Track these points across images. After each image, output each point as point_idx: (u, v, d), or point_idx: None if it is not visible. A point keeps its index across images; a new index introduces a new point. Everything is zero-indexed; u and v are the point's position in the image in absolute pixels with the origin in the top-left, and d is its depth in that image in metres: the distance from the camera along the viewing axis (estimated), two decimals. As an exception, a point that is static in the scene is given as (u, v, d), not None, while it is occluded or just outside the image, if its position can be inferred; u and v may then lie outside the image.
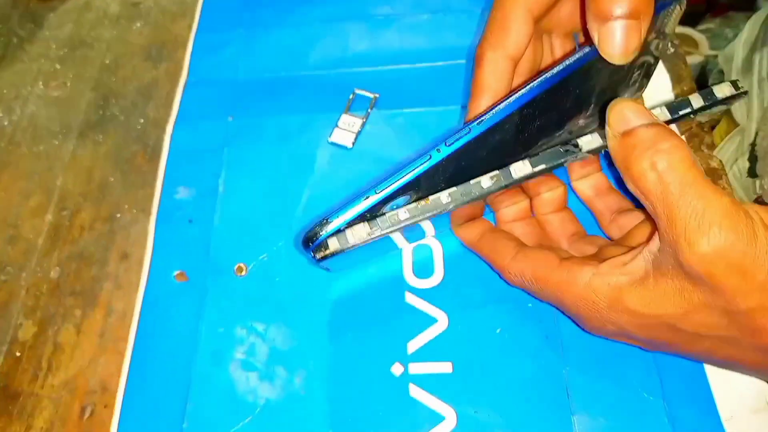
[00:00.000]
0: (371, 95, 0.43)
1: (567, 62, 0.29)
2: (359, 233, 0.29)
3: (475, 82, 0.33)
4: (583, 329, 0.31)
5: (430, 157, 0.29)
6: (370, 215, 0.29)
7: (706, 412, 0.32)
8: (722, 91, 0.31)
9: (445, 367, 0.34)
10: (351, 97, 0.43)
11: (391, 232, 0.30)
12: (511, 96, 0.29)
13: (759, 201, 0.49)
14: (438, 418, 0.32)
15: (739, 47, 0.57)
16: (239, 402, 0.34)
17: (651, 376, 0.33)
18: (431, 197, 0.29)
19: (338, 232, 0.29)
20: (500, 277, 0.33)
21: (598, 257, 0.31)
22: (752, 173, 0.50)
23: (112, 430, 0.34)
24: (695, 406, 0.32)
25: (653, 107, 0.30)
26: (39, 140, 0.46)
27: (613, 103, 0.27)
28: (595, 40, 0.28)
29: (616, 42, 0.27)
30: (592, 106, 0.32)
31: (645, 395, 0.32)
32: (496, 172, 0.29)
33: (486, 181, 0.29)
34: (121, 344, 0.36)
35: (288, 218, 0.39)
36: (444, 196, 0.29)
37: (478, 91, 0.32)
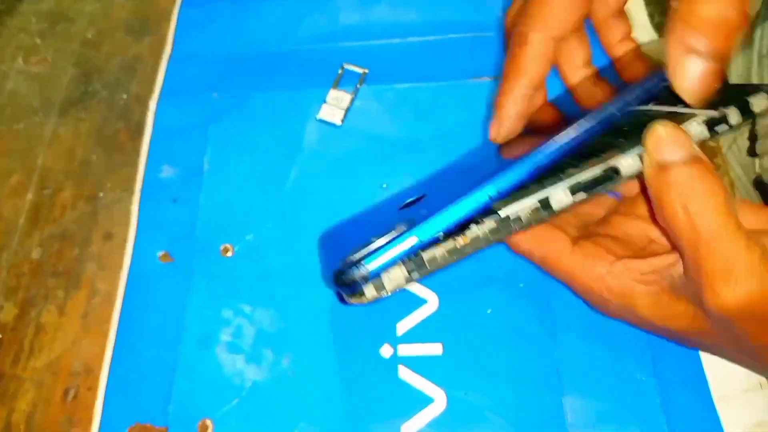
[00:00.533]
0: (361, 70, 0.42)
1: (630, 94, 0.27)
2: (397, 279, 0.25)
3: (514, 64, 0.31)
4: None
5: (479, 202, 0.26)
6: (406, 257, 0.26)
7: (699, 393, 0.31)
8: (760, 104, 0.26)
9: (435, 349, 0.33)
10: (340, 72, 0.42)
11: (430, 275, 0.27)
12: (564, 131, 0.27)
13: (758, 180, 0.48)
14: (427, 400, 0.32)
15: None
16: (226, 384, 0.33)
17: (643, 356, 0.32)
18: (468, 234, 0.25)
19: (374, 276, 0.25)
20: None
21: (612, 245, 0.29)
22: (752, 152, 0.49)
23: (96, 412, 0.33)
24: (688, 387, 0.32)
25: (689, 118, 0.26)
26: (19, 117, 0.44)
27: (651, 126, 0.24)
28: (671, 71, 0.25)
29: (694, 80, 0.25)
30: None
31: (637, 376, 0.32)
32: (536, 204, 0.26)
33: (525, 214, 0.26)
34: (105, 326, 0.36)
35: (275, 198, 0.38)
36: (481, 232, 0.26)
37: (516, 74, 0.30)
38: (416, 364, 0.33)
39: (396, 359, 0.33)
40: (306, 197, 0.38)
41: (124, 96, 0.44)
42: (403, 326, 0.34)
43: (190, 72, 0.44)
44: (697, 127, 0.26)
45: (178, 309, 0.35)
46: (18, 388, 0.34)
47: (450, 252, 0.25)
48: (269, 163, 0.39)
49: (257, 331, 0.34)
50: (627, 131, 0.27)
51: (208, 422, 0.32)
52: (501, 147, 0.32)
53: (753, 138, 0.48)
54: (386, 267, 0.25)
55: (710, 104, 0.26)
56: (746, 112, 0.26)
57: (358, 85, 0.42)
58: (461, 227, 0.25)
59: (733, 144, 0.49)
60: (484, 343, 0.33)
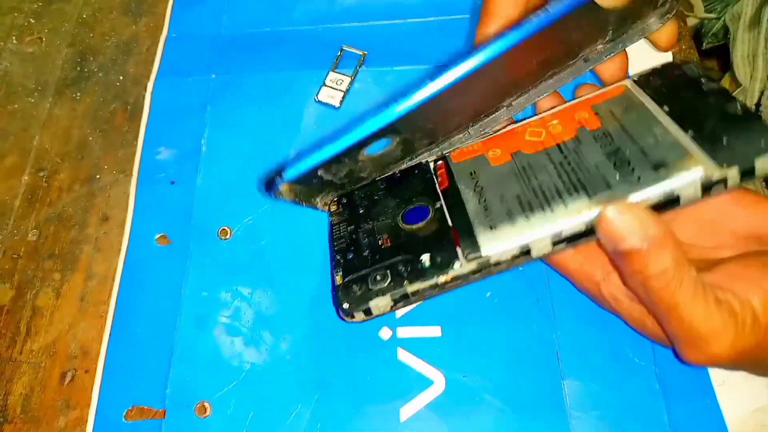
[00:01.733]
0: (360, 52, 0.42)
1: None
2: (383, 307, 0.28)
3: (485, 7, 0.31)
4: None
5: (415, 92, 0.27)
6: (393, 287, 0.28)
7: (698, 377, 0.31)
8: (764, 168, 0.25)
9: (434, 331, 0.33)
10: (339, 54, 0.42)
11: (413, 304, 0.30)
12: (520, 24, 0.27)
13: None
14: (426, 383, 0.32)
15: (747, 5, 0.55)
16: (224, 367, 0.33)
17: (642, 340, 0.32)
18: (450, 272, 0.27)
19: (366, 307, 0.28)
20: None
21: None
22: None
23: (94, 395, 0.33)
24: (687, 372, 0.31)
25: (684, 182, 0.26)
26: (14, 98, 0.44)
27: (603, 210, 0.25)
28: None
29: None
30: (612, 31, 0.30)
31: (636, 360, 0.32)
32: (517, 251, 0.27)
33: (506, 259, 0.27)
34: (102, 308, 0.35)
35: (273, 179, 0.38)
36: (461, 272, 0.27)
37: (488, 17, 0.31)
38: (415, 346, 0.33)
39: (395, 341, 0.33)
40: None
41: (121, 77, 0.44)
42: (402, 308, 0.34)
43: (187, 53, 0.44)
44: (691, 185, 0.26)
45: (175, 291, 0.35)
46: (14, 371, 0.34)
47: (432, 287, 0.27)
48: (268, 144, 0.39)
49: (256, 314, 0.34)
50: (625, 167, 0.27)
51: (206, 404, 0.32)
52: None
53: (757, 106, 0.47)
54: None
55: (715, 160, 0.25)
56: (746, 176, 0.25)
57: (357, 68, 0.41)
58: (444, 265, 0.27)
59: None
60: (483, 326, 0.33)
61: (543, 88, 0.32)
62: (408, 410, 0.31)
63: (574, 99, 0.32)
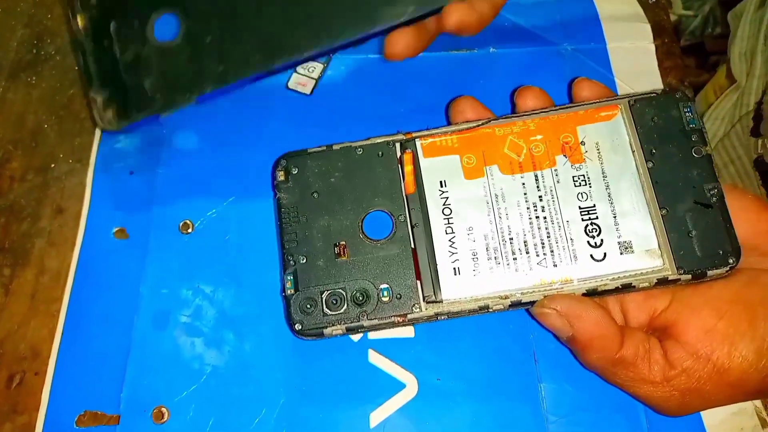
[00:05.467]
0: (333, 39, 0.40)
1: None
2: (335, 333, 0.29)
3: None
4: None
5: None
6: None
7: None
8: (715, 275, 0.27)
9: (406, 332, 0.32)
10: (311, 40, 0.40)
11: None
12: None
13: (759, 160, 0.48)
14: (398, 386, 0.31)
15: (750, 5, 0.55)
16: (183, 369, 0.31)
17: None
18: (410, 316, 0.28)
19: (318, 332, 0.29)
20: None
21: None
22: (755, 132, 0.48)
23: (43, 399, 0.31)
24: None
25: (643, 277, 0.27)
26: (-37, 81, 0.41)
27: (540, 303, 0.27)
28: None
29: None
30: None
31: (616, 362, 0.31)
32: (476, 308, 0.28)
33: (464, 311, 0.28)
34: (55, 306, 0.33)
35: (240, 171, 0.36)
36: (418, 316, 0.28)
37: None
38: (387, 347, 0.31)
39: (366, 342, 0.32)
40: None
41: (79, 61, 0.41)
42: (373, 309, 0.32)
43: (150, 36, 0.41)
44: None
45: (133, 289, 0.33)
46: (-42, 373, 0.32)
47: (387, 324, 0.28)
48: (234, 134, 0.37)
49: (218, 313, 0.32)
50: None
51: (164, 410, 0.30)
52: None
53: (758, 118, 0.47)
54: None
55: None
56: (699, 278, 0.27)
57: (330, 54, 0.39)
58: (402, 306, 0.28)
59: (738, 123, 0.49)
60: (458, 327, 0.32)
61: None
62: (378, 415, 0.30)
63: (562, 106, 0.30)
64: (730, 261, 0.26)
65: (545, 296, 0.27)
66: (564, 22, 0.41)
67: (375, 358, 0.31)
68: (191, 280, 0.33)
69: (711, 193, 0.27)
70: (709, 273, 0.26)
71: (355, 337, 0.32)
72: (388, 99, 0.38)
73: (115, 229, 0.35)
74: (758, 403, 0.30)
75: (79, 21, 0.33)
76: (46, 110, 0.40)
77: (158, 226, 0.35)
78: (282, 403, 0.30)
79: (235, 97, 0.38)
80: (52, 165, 0.38)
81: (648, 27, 0.41)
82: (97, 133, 0.38)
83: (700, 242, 0.27)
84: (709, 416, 0.30)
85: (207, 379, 0.31)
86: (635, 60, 0.40)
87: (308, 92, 0.38)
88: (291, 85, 0.38)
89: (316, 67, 0.39)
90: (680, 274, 0.26)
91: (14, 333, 0.33)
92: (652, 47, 0.40)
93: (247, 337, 0.32)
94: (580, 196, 0.28)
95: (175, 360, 0.31)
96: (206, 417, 0.30)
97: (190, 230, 0.34)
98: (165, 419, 0.30)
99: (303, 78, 0.38)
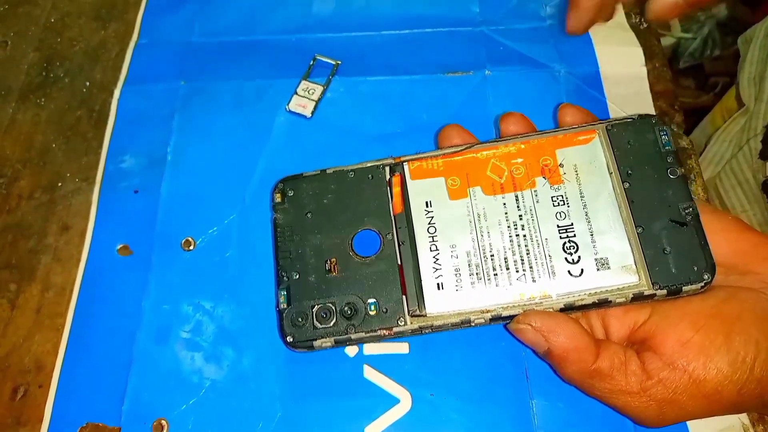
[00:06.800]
0: (333, 62, 0.41)
1: None
2: (324, 345, 0.29)
3: None
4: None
5: None
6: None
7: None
8: (690, 291, 0.27)
9: (401, 348, 0.32)
10: (311, 63, 0.41)
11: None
12: None
13: (767, 183, 0.48)
14: (392, 401, 0.31)
15: (759, 31, 0.56)
16: (183, 383, 0.32)
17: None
18: (395, 329, 0.29)
19: (309, 345, 0.29)
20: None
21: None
22: (764, 155, 0.49)
23: (47, 412, 0.32)
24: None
25: (619, 293, 0.28)
26: (-25, 102, 0.42)
27: (517, 320, 0.28)
28: None
29: None
30: None
31: (606, 379, 0.31)
32: (458, 322, 0.29)
33: (446, 325, 0.29)
34: (59, 321, 0.34)
35: (241, 191, 0.37)
36: (403, 330, 0.29)
37: None
38: (382, 363, 0.32)
39: (361, 358, 0.32)
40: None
41: (87, 83, 0.43)
42: (369, 325, 0.33)
43: (156, 59, 0.43)
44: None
45: (135, 304, 0.34)
46: (-36, 385, 0.33)
47: (374, 337, 0.29)
48: (236, 154, 0.38)
49: (217, 329, 0.33)
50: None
51: (164, 422, 0.31)
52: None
53: (766, 141, 0.47)
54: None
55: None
56: (674, 294, 0.28)
57: (330, 77, 0.41)
58: (389, 319, 0.29)
59: (745, 146, 0.49)
60: (452, 343, 0.32)
61: None
62: (373, 429, 0.31)
63: (542, 131, 0.31)
64: (705, 277, 0.27)
65: (521, 313, 0.28)
66: (558, 46, 0.42)
67: (370, 373, 0.32)
68: (192, 296, 0.34)
69: (686, 212, 0.28)
70: (684, 288, 0.27)
71: (351, 353, 0.32)
72: (386, 119, 0.39)
73: (119, 246, 0.36)
74: (745, 418, 0.31)
75: None
76: (54, 131, 0.41)
77: (161, 244, 0.35)
78: (279, 417, 0.31)
79: (239, 119, 0.39)
80: (59, 183, 0.39)
81: (640, 51, 0.42)
82: (104, 152, 0.39)
83: (676, 259, 0.27)
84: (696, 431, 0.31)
85: (206, 393, 0.32)
86: (627, 83, 0.41)
87: (308, 114, 0.39)
88: (292, 107, 0.39)
89: (316, 90, 0.40)
90: (656, 289, 0.27)
91: (19, 347, 0.34)
92: (644, 71, 0.41)
93: (246, 352, 0.33)
94: (558, 215, 0.29)
95: (176, 374, 0.32)
96: (205, 430, 0.31)
97: (191, 247, 0.35)
98: (164, 431, 0.31)
99: (303, 100, 0.40)
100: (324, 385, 0.32)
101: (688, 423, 0.31)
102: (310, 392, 0.31)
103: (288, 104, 0.40)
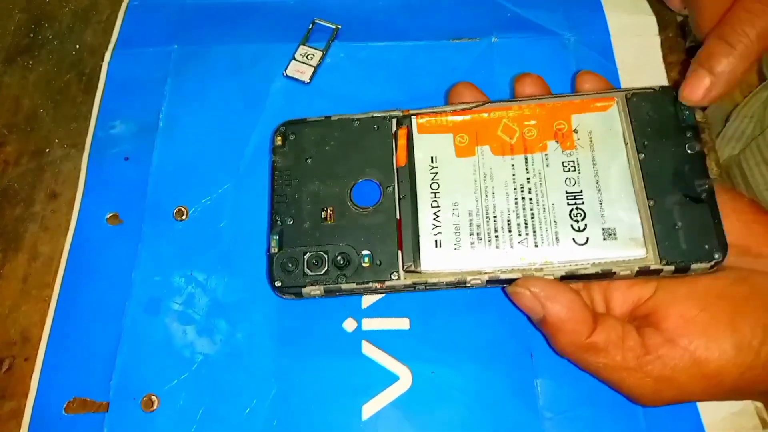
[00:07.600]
0: (333, 26, 0.39)
1: None
2: (313, 293, 0.28)
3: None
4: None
5: None
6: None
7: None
8: (699, 269, 0.26)
9: (401, 323, 0.31)
10: (310, 27, 0.39)
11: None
12: None
13: None
14: (392, 378, 0.30)
15: None
16: (175, 357, 0.31)
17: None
18: (387, 283, 0.28)
19: (297, 291, 0.28)
20: None
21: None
22: None
23: (32, 385, 0.31)
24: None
25: (624, 265, 0.26)
26: (-41, 64, 0.41)
27: (516, 283, 0.27)
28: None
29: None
30: None
31: (613, 358, 0.30)
32: (453, 281, 0.28)
33: (440, 283, 0.28)
34: (46, 291, 0.33)
35: (235, 159, 0.35)
36: (396, 284, 0.28)
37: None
38: (381, 339, 0.31)
39: (360, 334, 0.31)
40: (269, 159, 0.35)
41: (77, 46, 0.41)
42: (368, 299, 0.32)
43: (149, 22, 0.41)
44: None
45: (125, 275, 0.33)
46: (-53, 357, 0.32)
47: (365, 289, 0.28)
48: (230, 121, 0.37)
49: (211, 301, 0.32)
50: None
51: (154, 398, 0.30)
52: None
53: None
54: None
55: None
56: (681, 271, 0.26)
57: (329, 42, 0.39)
58: (382, 272, 0.28)
59: (756, 151, 0.48)
60: (454, 319, 0.31)
61: None
62: (371, 408, 0.30)
63: (558, 94, 0.30)
64: (716, 256, 0.26)
65: (521, 277, 0.27)
66: (567, 13, 0.40)
67: (369, 349, 0.31)
68: (184, 267, 0.33)
69: (701, 189, 0.27)
70: (693, 266, 0.26)
71: (350, 328, 0.31)
72: (388, 87, 0.38)
73: (108, 215, 0.34)
74: (759, 403, 0.30)
75: None
76: (42, 95, 0.39)
77: (152, 213, 0.34)
78: (273, 394, 0.30)
79: (234, 85, 0.38)
80: (47, 150, 0.37)
81: (653, 20, 0.40)
82: (93, 118, 0.38)
83: (686, 235, 0.26)
84: (708, 415, 0.30)
85: (198, 368, 0.30)
86: (639, 53, 0.39)
87: (307, 80, 0.38)
88: (289, 72, 0.38)
89: (314, 55, 0.38)
90: (663, 264, 0.26)
91: (5, 318, 0.33)
92: (658, 41, 0.40)
93: (240, 325, 0.31)
94: (567, 181, 0.28)
95: (167, 348, 0.31)
96: (196, 406, 0.30)
97: (184, 217, 0.34)
98: (154, 407, 0.30)
99: (301, 66, 0.38)
100: (321, 361, 0.30)
101: (699, 405, 0.30)
102: (306, 368, 0.30)
103: (285, 70, 0.38)
